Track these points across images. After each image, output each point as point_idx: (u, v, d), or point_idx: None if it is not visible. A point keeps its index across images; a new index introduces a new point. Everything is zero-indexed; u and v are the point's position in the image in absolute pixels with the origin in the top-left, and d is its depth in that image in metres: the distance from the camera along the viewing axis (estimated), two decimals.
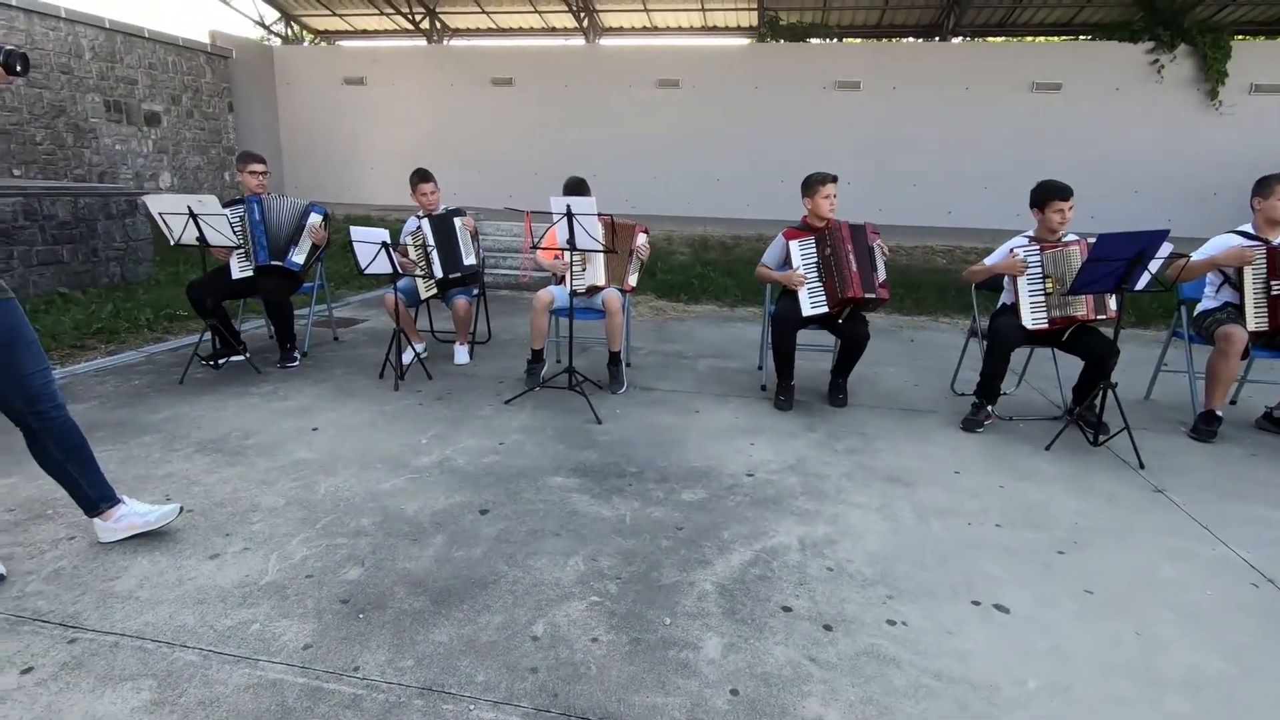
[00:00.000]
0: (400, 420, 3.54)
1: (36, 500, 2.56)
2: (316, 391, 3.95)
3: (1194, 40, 10.37)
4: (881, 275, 3.77)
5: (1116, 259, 3.14)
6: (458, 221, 4.52)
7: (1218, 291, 3.80)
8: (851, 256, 3.71)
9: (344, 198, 12.80)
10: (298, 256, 4.45)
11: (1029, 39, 12.72)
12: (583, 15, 12.93)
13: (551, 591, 2.13)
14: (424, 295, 4.49)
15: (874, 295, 3.70)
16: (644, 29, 13.60)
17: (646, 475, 2.99)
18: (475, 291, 4.76)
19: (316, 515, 2.55)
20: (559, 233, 3.59)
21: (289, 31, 14.69)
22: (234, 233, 4.10)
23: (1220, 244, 3.67)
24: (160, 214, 3.94)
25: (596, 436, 3.41)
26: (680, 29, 13.57)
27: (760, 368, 4.63)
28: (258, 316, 5.47)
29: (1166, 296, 3.90)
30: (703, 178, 12.01)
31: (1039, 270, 3.55)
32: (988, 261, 3.80)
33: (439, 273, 4.45)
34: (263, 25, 14.29)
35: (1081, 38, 12.08)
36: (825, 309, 3.77)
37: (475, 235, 4.67)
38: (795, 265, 3.81)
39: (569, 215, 3.47)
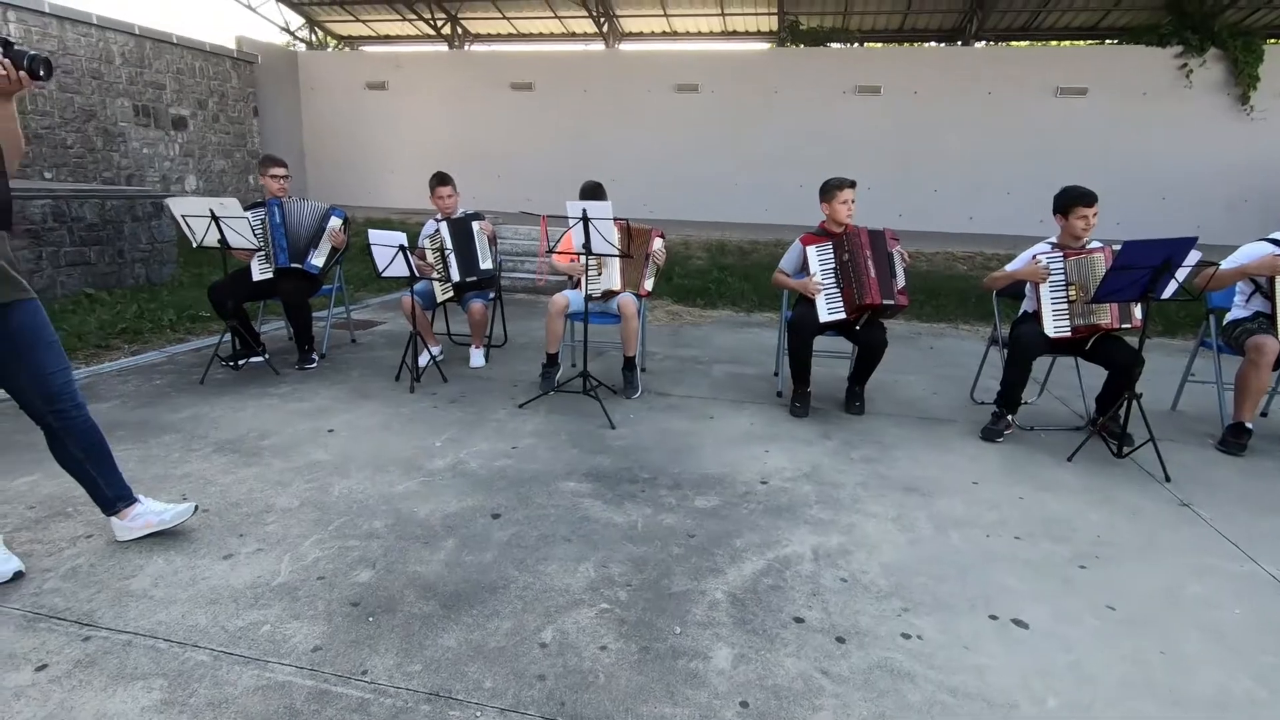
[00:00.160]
0: (415, 423, 3.56)
1: (57, 498, 2.60)
2: (333, 393, 3.98)
3: (1224, 44, 10.17)
4: (901, 282, 3.72)
5: (1142, 267, 3.07)
6: (475, 226, 4.54)
7: (1248, 300, 3.72)
8: (870, 263, 3.66)
9: (365, 201, 12.95)
10: (317, 259, 4.50)
11: (1054, 43, 12.56)
12: (602, 20, 12.99)
13: (561, 598, 2.12)
14: (440, 298, 4.52)
15: (892, 302, 3.66)
16: (663, 34, 13.63)
17: (659, 481, 2.97)
18: (491, 295, 4.77)
19: (330, 517, 2.56)
20: (575, 237, 3.59)
21: (313, 37, 14.92)
22: (255, 235, 4.15)
23: (1251, 252, 3.58)
24: (183, 216, 4.00)
25: (610, 442, 3.40)
26: (700, 34, 13.57)
27: (776, 374, 4.59)
28: (277, 318, 5.53)
29: (1194, 305, 3.80)
30: (721, 182, 11.98)
31: (1062, 277, 3.48)
32: (1010, 268, 3.74)
33: (456, 276, 4.47)
34: (288, 31, 14.54)
35: (1108, 42, 11.91)
36: (842, 315, 3.73)
37: (493, 240, 4.68)
38: (813, 271, 3.78)
39: (585, 220, 3.47)
